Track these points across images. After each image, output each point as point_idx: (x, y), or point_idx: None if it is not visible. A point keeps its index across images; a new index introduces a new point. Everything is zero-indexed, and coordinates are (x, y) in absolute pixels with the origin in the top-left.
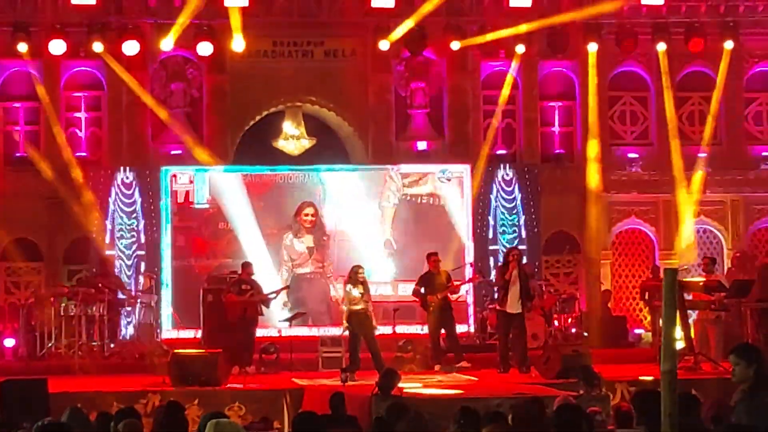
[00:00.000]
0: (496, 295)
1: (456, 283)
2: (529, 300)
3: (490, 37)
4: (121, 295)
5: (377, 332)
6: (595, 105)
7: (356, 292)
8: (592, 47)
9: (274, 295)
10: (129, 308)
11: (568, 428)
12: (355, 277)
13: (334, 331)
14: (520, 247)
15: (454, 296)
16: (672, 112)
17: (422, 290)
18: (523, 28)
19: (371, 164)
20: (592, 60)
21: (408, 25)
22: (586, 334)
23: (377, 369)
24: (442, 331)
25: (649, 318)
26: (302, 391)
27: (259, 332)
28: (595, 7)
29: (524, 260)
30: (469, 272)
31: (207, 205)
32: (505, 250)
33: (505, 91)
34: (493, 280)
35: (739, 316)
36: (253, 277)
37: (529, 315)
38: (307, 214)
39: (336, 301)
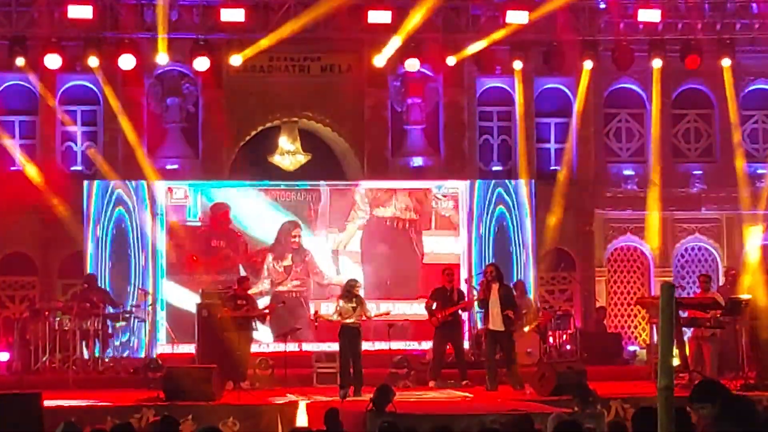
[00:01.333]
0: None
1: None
2: (513, 313)
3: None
4: (111, 309)
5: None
6: (590, 121)
7: (349, 306)
8: (588, 64)
9: (270, 312)
10: (123, 323)
11: None
12: (351, 291)
13: (323, 347)
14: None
15: (465, 313)
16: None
17: (433, 305)
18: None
19: (367, 179)
20: (584, 77)
21: (402, 40)
22: (586, 355)
23: (357, 384)
24: (448, 347)
25: (645, 334)
26: (296, 406)
27: (254, 348)
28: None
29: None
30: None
31: (199, 223)
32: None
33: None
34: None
35: (734, 334)
36: (248, 292)
37: (523, 332)
38: (295, 236)
39: (312, 319)
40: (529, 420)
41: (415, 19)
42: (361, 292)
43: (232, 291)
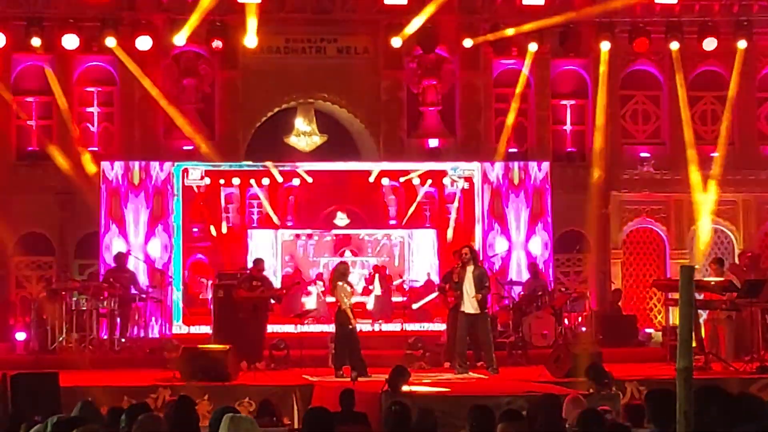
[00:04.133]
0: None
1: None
2: (482, 296)
3: (503, 34)
4: (133, 290)
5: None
6: (606, 103)
7: (348, 288)
8: (605, 46)
9: (284, 290)
10: (141, 303)
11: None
12: (346, 273)
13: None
14: (533, 246)
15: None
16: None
17: (446, 287)
18: (535, 25)
19: (383, 161)
20: (604, 59)
21: (419, 21)
22: (601, 337)
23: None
24: None
25: (660, 316)
26: (312, 387)
27: (270, 328)
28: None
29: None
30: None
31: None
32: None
33: (518, 89)
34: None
35: (750, 316)
36: (264, 273)
37: (538, 314)
38: None
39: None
40: (557, 400)
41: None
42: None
43: (248, 272)
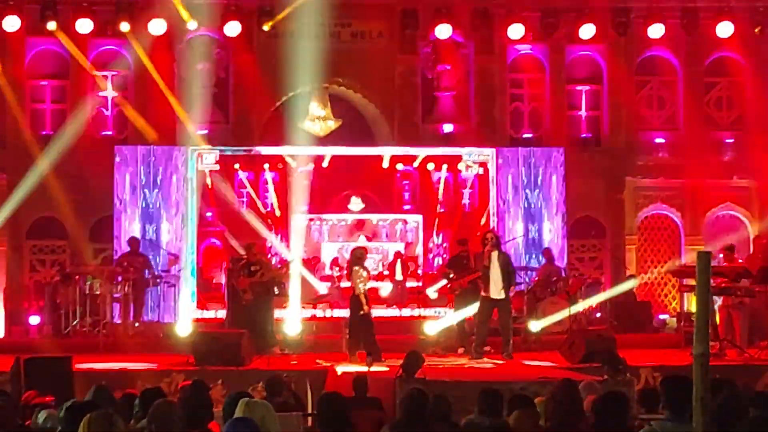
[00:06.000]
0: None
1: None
2: (512, 284)
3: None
4: (147, 275)
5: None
6: (622, 89)
7: (364, 273)
8: (620, 31)
9: (284, 269)
10: (155, 287)
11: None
12: (363, 258)
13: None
14: (546, 231)
15: None
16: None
17: (450, 273)
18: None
19: (398, 145)
20: (618, 45)
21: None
22: (610, 318)
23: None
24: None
25: (675, 303)
26: (326, 372)
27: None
28: None
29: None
30: None
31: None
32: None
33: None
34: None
35: (765, 302)
36: (259, 257)
37: (553, 299)
38: None
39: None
40: (576, 384)
41: None
42: None
43: (245, 259)
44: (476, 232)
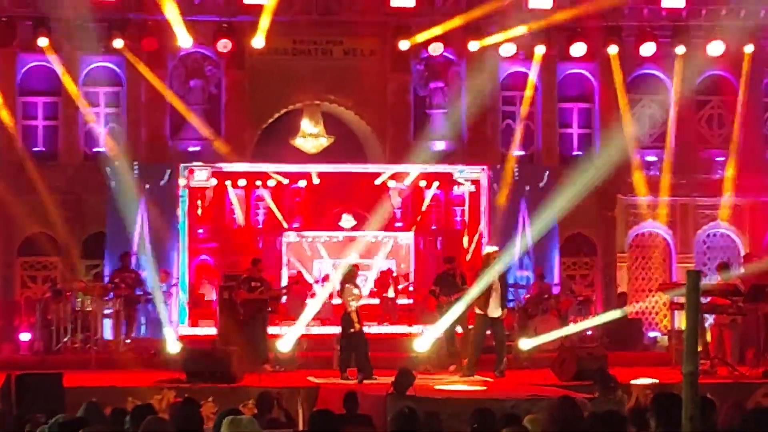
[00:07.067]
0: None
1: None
2: (506, 304)
3: (508, 35)
4: (138, 291)
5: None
6: (613, 107)
7: (356, 290)
8: (612, 50)
9: (284, 291)
10: (146, 304)
11: None
12: (354, 275)
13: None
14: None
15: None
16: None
17: (437, 290)
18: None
19: (389, 163)
20: (612, 63)
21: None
22: (607, 340)
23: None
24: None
25: (666, 320)
26: (317, 389)
27: (275, 330)
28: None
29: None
30: None
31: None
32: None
33: (528, 93)
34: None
35: (755, 321)
36: (262, 274)
37: (545, 317)
38: None
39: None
40: (574, 401)
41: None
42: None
43: (247, 273)
44: (467, 249)
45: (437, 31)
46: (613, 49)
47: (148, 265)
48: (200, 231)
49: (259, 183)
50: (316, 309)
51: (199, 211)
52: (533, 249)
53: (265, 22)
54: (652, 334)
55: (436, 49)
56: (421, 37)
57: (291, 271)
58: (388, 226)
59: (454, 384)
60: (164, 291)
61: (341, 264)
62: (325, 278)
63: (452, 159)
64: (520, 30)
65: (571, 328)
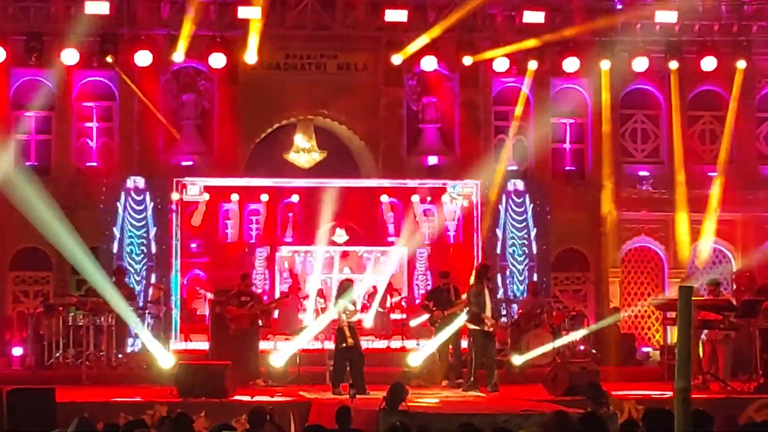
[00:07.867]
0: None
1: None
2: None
3: (502, 51)
4: (131, 306)
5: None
6: (606, 122)
7: (351, 306)
8: (605, 65)
9: (274, 305)
10: (138, 319)
11: None
12: (348, 290)
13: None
14: (530, 263)
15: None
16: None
17: (431, 305)
18: (535, 43)
19: (382, 177)
20: (604, 78)
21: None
22: (594, 351)
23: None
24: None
25: (658, 335)
26: (309, 404)
27: (266, 345)
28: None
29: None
30: None
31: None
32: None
33: (519, 109)
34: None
35: (748, 336)
36: (252, 289)
37: (537, 331)
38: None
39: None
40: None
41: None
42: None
43: (236, 288)
44: (460, 265)
45: (430, 46)
46: (605, 65)
47: (141, 280)
48: (193, 245)
49: (251, 197)
50: (320, 327)
51: (194, 223)
52: (525, 264)
53: (257, 36)
54: (644, 349)
55: (429, 64)
56: (413, 50)
57: (283, 286)
58: (381, 241)
59: (447, 399)
60: (156, 306)
61: (334, 278)
62: (319, 293)
63: (445, 173)
64: (513, 45)
65: (563, 340)
